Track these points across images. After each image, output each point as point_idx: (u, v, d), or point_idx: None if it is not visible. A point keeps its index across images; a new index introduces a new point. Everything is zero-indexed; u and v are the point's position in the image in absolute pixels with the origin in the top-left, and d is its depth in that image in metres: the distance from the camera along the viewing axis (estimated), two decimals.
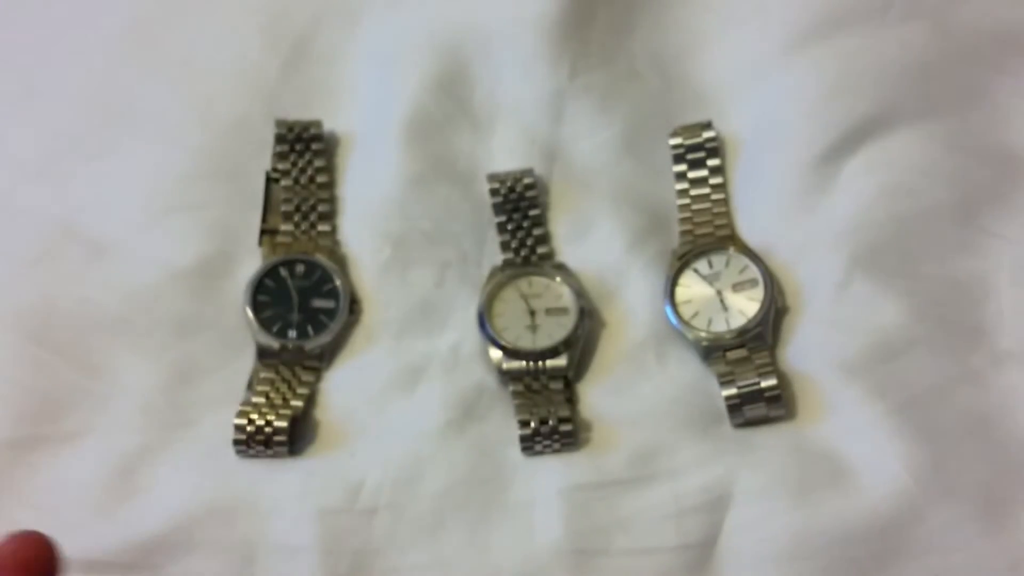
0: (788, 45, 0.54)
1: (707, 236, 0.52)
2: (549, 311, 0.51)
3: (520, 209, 0.53)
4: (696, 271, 0.52)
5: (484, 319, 0.51)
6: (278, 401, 0.50)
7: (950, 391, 0.48)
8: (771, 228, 0.52)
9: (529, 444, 0.49)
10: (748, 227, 0.52)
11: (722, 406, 0.49)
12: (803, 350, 0.50)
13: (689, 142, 0.54)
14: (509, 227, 0.53)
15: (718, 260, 0.52)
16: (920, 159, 0.51)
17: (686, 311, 0.51)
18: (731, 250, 0.51)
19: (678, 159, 0.54)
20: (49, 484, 0.49)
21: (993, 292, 0.49)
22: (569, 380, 0.50)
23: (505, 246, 0.53)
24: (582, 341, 0.51)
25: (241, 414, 0.49)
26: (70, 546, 0.47)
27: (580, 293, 0.51)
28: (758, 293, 0.50)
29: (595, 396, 0.51)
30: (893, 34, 0.53)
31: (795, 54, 0.54)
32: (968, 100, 0.53)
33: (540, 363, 0.50)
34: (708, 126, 0.54)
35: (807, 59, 0.54)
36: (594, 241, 0.53)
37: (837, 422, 0.48)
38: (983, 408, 0.47)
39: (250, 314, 0.51)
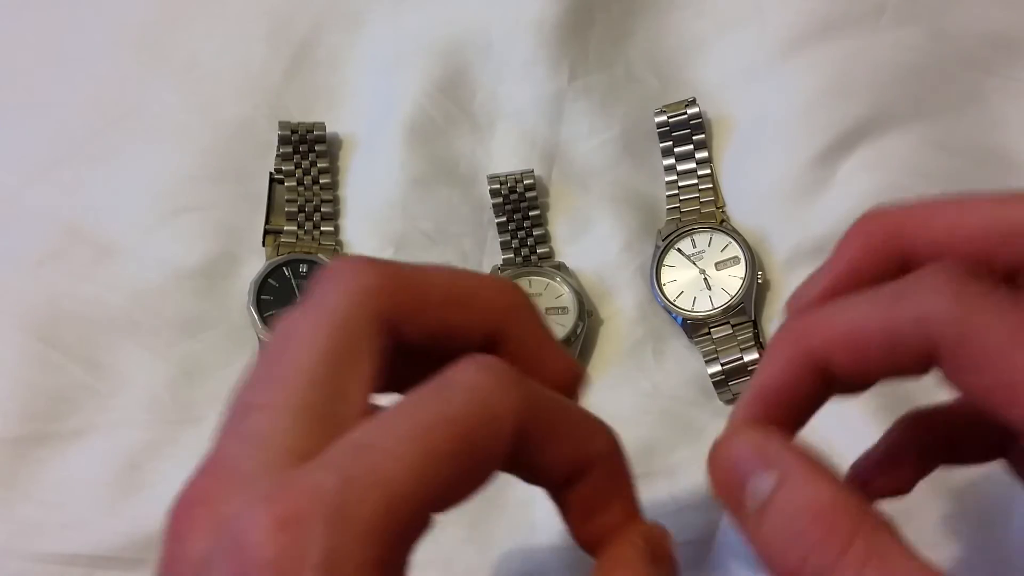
0: (784, 49, 0.55)
1: (692, 213, 0.53)
2: (549, 310, 0.51)
3: (520, 210, 0.53)
4: (680, 251, 0.52)
5: None
6: None
7: (942, 386, 0.48)
8: (767, 228, 0.52)
9: None
10: (744, 227, 0.53)
11: (720, 405, 0.49)
12: None
13: (674, 119, 0.54)
14: (509, 227, 0.53)
15: (701, 239, 0.52)
16: (914, 160, 0.52)
17: (671, 291, 0.51)
18: (712, 229, 0.52)
19: (664, 136, 0.54)
20: (56, 481, 0.49)
21: None
22: None
23: (505, 246, 0.53)
24: (581, 340, 0.51)
25: None
26: (76, 542, 0.48)
27: (579, 292, 0.52)
28: (740, 270, 0.51)
29: (594, 394, 0.51)
30: (887, 38, 0.54)
31: (791, 57, 0.54)
32: (961, 102, 0.53)
33: None
34: (692, 103, 0.54)
35: (802, 62, 0.54)
36: (593, 241, 0.54)
37: (830, 418, 0.47)
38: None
39: (254, 313, 0.52)
